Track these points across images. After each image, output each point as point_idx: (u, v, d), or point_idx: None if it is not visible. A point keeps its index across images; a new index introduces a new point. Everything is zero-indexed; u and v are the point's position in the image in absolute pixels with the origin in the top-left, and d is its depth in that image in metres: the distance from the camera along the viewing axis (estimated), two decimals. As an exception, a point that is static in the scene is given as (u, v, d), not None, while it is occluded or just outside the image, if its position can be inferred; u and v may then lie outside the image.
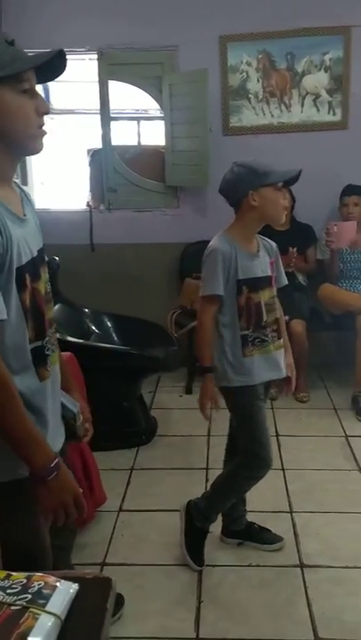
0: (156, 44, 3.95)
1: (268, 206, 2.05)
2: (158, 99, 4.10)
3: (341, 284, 3.83)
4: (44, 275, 1.34)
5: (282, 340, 2.21)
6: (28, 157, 3.92)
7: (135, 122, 4.44)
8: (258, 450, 2.14)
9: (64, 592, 0.89)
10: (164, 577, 2.21)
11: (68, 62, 1.25)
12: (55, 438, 1.37)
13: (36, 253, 1.30)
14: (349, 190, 3.79)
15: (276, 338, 2.17)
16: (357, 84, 3.94)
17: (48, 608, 0.85)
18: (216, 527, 2.39)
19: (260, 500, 2.55)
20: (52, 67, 1.22)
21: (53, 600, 0.86)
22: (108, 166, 4.21)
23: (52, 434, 1.34)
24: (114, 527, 2.50)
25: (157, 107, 4.19)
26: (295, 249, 3.76)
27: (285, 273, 2.30)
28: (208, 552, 2.28)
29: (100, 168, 4.25)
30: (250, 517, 2.41)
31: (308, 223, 3.99)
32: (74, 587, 0.91)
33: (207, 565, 2.24)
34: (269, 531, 2.39)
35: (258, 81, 3.98)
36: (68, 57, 1.24)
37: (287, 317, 3.73)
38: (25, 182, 4.22)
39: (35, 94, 1.21)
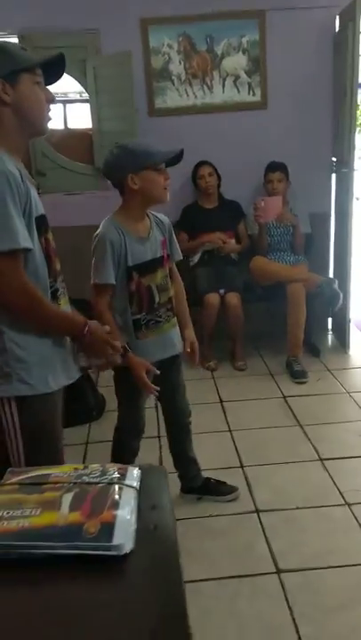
0: (78, 27, 3.98)
1: (150, 188, 2.03)
2: (83, 81, 4.13)
3: (271, 257, 4.04)
4: (51, 232, 1.58)
5: (176, 318, 2.23)
6: None
7: (61, 105, 4.45)
8: (133, 422, 2.33)
9: (134, 473, 1.13)
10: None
11: None
12: (72, 369, 1.65)
13: (44, 211, 1.55)
14: (273, 167, 3.99)
15: (172, 316, 2.20)
16: (273, 66, 4.13)
17: (127, 483, 1.09)
18: (176, 486, 2.53)
19: (213, 459, 2.74)
20: (53, 71, 1.54)
21: (129, 478, 1.11)
22: (36, 150, 4.21)
23: (70, 362, 1.63)
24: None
25: (82, 89, 4.22)
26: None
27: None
28: (170, 509, 2.42)
29: (27, 152, 4.24)
30: (205, 474, 2.57)
31: (235, 200, 4.17)
32: (138, 470, 1.14)
33: (171, 520, 2.38)
34: (225, 483, 2.56)
35: (180, 63, 4.10)
36: None
37: (222, 291, 3.92)
38: None
39: (43, 87, 1.52)
